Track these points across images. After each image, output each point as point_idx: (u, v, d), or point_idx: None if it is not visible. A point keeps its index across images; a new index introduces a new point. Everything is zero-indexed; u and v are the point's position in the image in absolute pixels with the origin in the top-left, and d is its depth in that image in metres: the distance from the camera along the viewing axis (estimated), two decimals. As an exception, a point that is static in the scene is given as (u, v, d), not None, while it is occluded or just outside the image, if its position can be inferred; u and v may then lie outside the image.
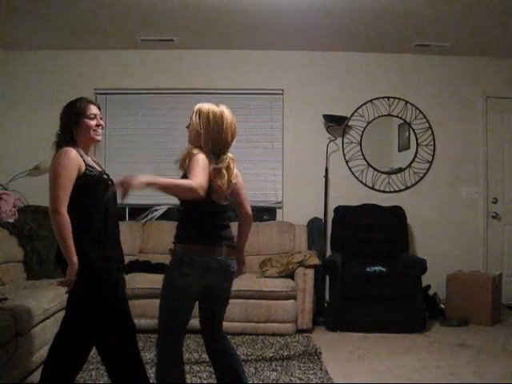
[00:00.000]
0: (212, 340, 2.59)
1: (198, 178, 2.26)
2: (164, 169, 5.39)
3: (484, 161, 5.38)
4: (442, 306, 4.91)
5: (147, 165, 5.35)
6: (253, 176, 5.30)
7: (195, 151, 2.37)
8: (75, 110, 2.65)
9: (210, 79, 5.34)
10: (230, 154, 2.52)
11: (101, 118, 2.72)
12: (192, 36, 4.95)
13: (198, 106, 2.48)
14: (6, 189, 4.92)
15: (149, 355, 3.57)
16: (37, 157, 5.21)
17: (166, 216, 5.33)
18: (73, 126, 2.61)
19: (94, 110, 2.71)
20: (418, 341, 4.16)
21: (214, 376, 3.22)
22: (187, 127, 2.55)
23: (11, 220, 4.41)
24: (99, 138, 2.71)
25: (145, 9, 4.24)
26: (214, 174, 2.37)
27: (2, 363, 2.73)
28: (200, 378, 3.21)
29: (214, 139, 2.44)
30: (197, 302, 2.53)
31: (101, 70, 5.35)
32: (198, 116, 2.45)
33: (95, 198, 2.55)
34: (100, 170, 2.67)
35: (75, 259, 2.37)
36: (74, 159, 2.51)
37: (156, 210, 5.33)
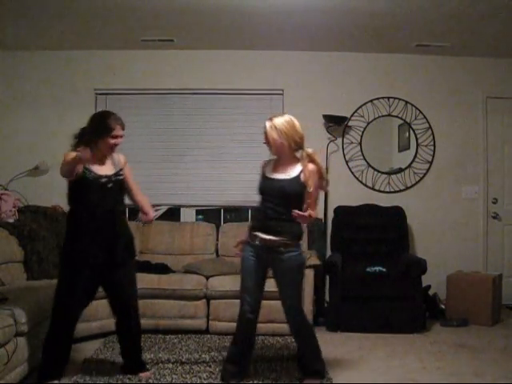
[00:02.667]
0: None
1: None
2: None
3: (484, 161, 5.38)
4: (442, 306, 4.91)
5: (147, 165, 5.35)
6: (253, 176, 5.29)
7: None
8: (104, 125, 2.99)
9: (210, 79, 5.33)
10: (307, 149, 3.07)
11: (121, 137, 3.07)
12: (192, 36, 4.95)
13: (269, 123, 3.00)
14: (6, 189, 4.92)
15: (149, 355, 3.57)
16: (37, 157, 5.22)
17: (166, 216, 5.33)
18: (97, 137, 3.01)
19: (119, 131, 3.04)
20: (418, 341, 4.16)
21: (213, 376, 3.23)
22: (265, 143, 3.05)
23: (11, 220, 4.40)
24: (113, 153, 3.12)
25: (145, 9, 4.24)
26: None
27: (1, 363, 2.73)
28: (200, 377, 3.21)
29: (299, 140, 3.01)
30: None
31: (101, 70, 5.35)
32: (277, 131, 2.97)
33: (84, 196, 3.00)
34: (99, 174, 3.04)
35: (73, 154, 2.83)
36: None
37: (156, 210, 5.32)
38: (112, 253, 3.05)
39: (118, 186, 3.13)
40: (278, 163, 3.08)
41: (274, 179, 3.04)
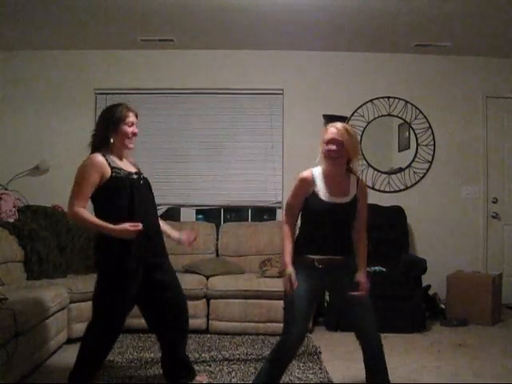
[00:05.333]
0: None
1: None
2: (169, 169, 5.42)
3: (484, 161, 5.38)
4: (442, 306, 4.91)
5: (147, 165, 5.35)
6: (253, 176, 5.30)
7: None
8: (115, 115, 2.75)
9: (210, 79, 5.33)
10: None
11: (136, 126, 2.85)
12: (192, 36, 4.95)
13: (344, 127, 2.64)
14: (6, 189, 4.92)
15: (148, 355, 3.58)
16: (37, 157, 5.22)
17: (166, 216, 5.32)
18: (111, 131, 2.74)
19: (132, 117, 2.81)
20: (418, 341, 4.16)
21: (213, 375, 3.23)
22: (334, 150, 2.62)
23: (11, 220, 4.40)
24: (132, 146, 2.85)
25: (145, 9, 4.24)
26: None
27: (1, 363, 2.74)
28: (200, 377, 3.21)
29: (355, 155, 2.67)
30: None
31: (101, 70, 5.35)
32: (350, 136, 2.60)
33: (122, 197, 2.69)
34: (129, 171, 2.80)
35: (110, 225, 2.58)
36: (98, 165, 2.66)
37: (156, 210, 5.32)
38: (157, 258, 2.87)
39: (148, 184, 2.92)
40: (332, 179, 2.67)
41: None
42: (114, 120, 2.74)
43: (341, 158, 2.62)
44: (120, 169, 2.73)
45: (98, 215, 2.67)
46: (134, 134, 2.82)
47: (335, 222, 2.63)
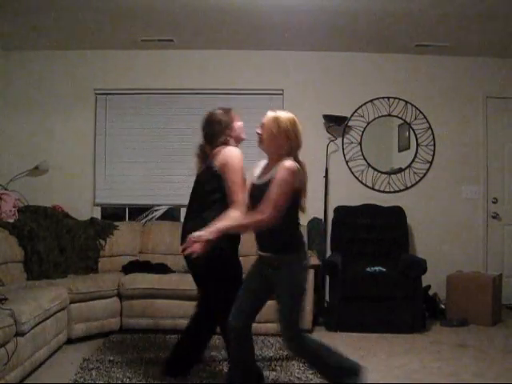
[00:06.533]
0: None
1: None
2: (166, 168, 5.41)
3: (484, 161, 5.38)
4: (442, 306, 4.91)
5: (147, 165, 5.36)
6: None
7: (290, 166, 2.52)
8: (226, 117, 2.99)
9: (210, 79, 5.33)
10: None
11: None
12: (192, 36, 4.95)
13: (273, 114, 2.63)
14: (5, 189, 4.92)
15: (148, 355, 3.57)
16: (37, 157, 5.22)
17: (166, 216, 5.33)
18: (228, 129, 2.96)
19: (238, 120, 3.06)
20: (418, 341, 4.16)
21: (213, 375, 3.23)
22: (259, 133, 2.69)
23: (11, 220, 4.40)
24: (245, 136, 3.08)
25: (145, 9, 4.24)
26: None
27: (1, 363, 2.74)
28: (200, 377, 3.21)
29: (295, 146, 2.61)
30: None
31: (101, 70, 5.36)
32: (277, 124, 2.60)
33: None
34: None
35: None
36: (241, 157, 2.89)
37: (156, 210, 5.33)
38: None
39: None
40: (267, 166, 2.73)
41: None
42: (227, 120, 2.98)
43: (262, 143, 2.70)
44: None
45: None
46: (243, 134, 3.08)
47: None
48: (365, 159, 5.37)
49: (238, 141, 3.05)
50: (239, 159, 2.87)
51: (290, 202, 2.54)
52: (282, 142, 2.59)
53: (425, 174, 5.38)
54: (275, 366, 3.43)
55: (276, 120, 2.60)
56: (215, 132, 2.98)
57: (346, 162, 5.38)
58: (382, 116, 5.40)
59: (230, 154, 2.87)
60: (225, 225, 2.60)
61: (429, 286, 4.92)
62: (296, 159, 2.60)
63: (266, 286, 2.75)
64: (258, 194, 2.60)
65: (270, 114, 2.65)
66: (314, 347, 2.68)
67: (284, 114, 2.63)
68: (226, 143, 2.96)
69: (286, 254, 2.65)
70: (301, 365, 3.43)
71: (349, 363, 2.68)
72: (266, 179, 2.61)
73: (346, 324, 4.41)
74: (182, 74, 5.36)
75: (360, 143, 5.38)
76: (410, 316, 4.40)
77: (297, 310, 2.63)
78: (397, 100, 5.40)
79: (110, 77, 5.35)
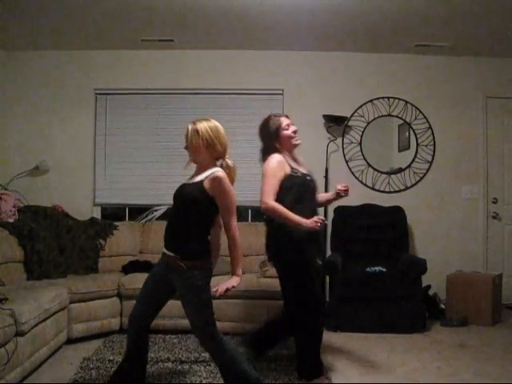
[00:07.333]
0: None
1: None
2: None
3: (484, 161, 5.39)
4: (442, 306, 4.91)
5: (147, 164, 5.36)
6: (253, 176, 5.29)
7: (220, 174, 2.65)
8: (272, 126, 3.16)
9: (210, 79, 5.33)
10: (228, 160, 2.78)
11: (293, 124, 3.22)
12: (192, 36, 4.95)
13: (192, 126, 2.74)
14: (5, 189, 4.92)
15: (148, 355, 3.56)
16: (37, 157, 5.22)
17: (165, 216, 5.32)
18: (274, 139, 3.14)
19: (286, 121, 3.20)
20: (418, 341, 4.16)
21: (213, 375, 3.23)
22: (186, 148, 2.80)
23: (11, 220, 4.41)
24: (299, 141, 3.22)
25: (145, 9, 4.24)
26: None
27: (1, 363, 2.74)
28: (200, 376, 3.22)
29: (218, 150, 2.73)
30: None
31: (101, 70, 5.36)
32: (196, 135, 2.71)
33: (300, 195, 3.03)
34: (304, 171, 3.14)
35: (303, 220, 2.89)
36: (280, 163, 3.04)
37: (156, 210, 5.33)
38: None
39: (316, 185, 3.27)
40: (197, 172, 2.81)
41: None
42: (273, 130, 3.15)
43: (191, 154, 2.82)
44: (297, 169, 3.09)
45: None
46: (295, 132, 3.20)
47: None
48: (365, 159, 5.37)
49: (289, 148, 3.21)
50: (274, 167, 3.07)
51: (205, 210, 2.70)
52: (208, 150, 2.72)
53: (425, 174, 5.38)
54: (275, 366, 3.43)
55: (194, 131, 2.72)
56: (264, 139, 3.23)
57: (346, 162, 5.38)
58: (382, 116, 5.40)
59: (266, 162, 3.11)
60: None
61: (429, 286, 4.93)
62: (226, 163, 2.75)
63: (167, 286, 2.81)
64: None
65: (189, 126, 2.75)
66: (230, 351, 2.74)
67: (203, 124, 2.74)
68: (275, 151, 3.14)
69: (189, 260, 2.70)
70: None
71: (253, 375, 2.77)
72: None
73: (346, 324, 4.41)
74: (182, 73, 5.36)
75: (360, 143, 5.38)
76: (409, 316, 4.40)
77: (204, 314, 2.76)
78: (397, 100, 5.40)
79: (110, 77, 5.35)
